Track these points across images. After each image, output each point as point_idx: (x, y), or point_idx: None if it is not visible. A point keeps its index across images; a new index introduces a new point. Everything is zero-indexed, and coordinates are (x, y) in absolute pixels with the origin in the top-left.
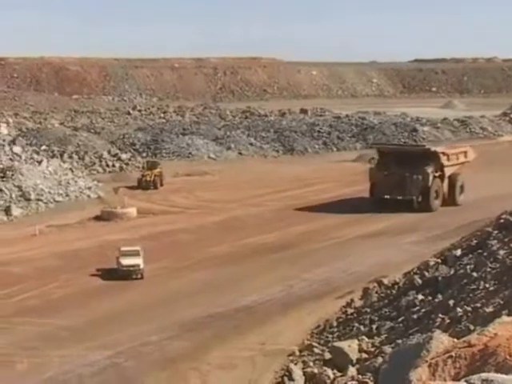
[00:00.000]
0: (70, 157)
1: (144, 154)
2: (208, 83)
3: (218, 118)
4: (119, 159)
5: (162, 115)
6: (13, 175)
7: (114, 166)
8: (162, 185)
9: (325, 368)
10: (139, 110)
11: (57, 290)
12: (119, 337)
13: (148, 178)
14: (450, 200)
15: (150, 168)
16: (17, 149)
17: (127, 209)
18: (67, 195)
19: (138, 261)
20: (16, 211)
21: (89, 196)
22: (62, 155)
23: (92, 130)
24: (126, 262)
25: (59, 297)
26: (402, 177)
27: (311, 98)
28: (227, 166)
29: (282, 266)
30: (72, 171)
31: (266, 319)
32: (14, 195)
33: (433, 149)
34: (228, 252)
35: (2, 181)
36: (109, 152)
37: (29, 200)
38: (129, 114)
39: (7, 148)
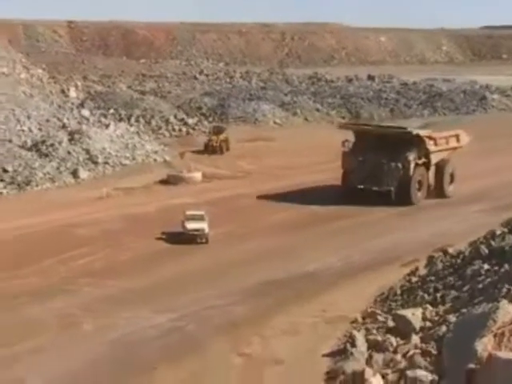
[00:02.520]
0: (137, 120)
1: (210, 119)
2: (275, 48)
3: (284, 83)
4: (185, 124)
5: (229, 80)
6: (81, 138)
7: (180, 130)
8: (227, 150)
9: (388, 335)
10: (206, 75)
11: (122, 253)
12: (183, 300)
13: (214, 143)
14: (437, 191)
15: (216, 133)
16: (85, 112)
17: (193, 173)
18: (134, 159)
19: (202, 225)
20: (83, 174)
21: (155, 160)
22: (129, 119)
23: (159, 94)
24: (191, 226)
25: (124, 259)
26: (379, 164)
27: (379, 65)
28: (293, 131)
29: (343, 235)
30: (139, 135)
31: (328, 286)
32: (81, 158)
33: (416, 132)
34: (291, 219)
35: (71, 144)
36: (175, 116)
37: (96, 163)
38: (195, 78)
39: (75, 111)
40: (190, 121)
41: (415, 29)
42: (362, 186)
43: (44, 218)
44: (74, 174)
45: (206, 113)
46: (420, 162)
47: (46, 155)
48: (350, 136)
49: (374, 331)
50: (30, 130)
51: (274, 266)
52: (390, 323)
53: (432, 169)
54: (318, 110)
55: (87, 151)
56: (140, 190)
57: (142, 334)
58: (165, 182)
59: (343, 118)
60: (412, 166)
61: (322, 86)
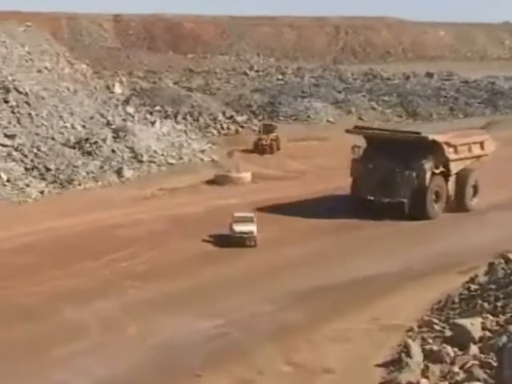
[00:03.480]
0: (184, 118)
1: (260, 117)
2: (329, 43)
3: (338, 80)
4: (234, 121)
5: (280, 76)
6: (125, 136)
7: (229, 128)
8: (278, 149)
9: (445, 345)
10: (256, 71)
11: (167, 255)
12: (230, 305)
13: (264, 142)
14: (457, 204)
15: (266, 131)
16: (130, 109)
17: (242, 173)
18: (180, 158)
19: (251, 227)
20: (128, 173)
21: (202, 159)
22: (175, 116)
23: (207, 91)
24: (240, 228)
25: (169, 262)
26: (391, 172)
27: (437, 61)
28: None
29: (398, 238)
30: (186, 133)
31: (382, 293)
32: (126, 156)
33: (432, 137)
34: (344, 221)
35: (115, 141)
36: (224, 114)
37: (141, 162)
38: (245, 74)
39: (120, 108)
40: (239, 118)
41: (476, 23)
42: (371, 197)
43: (86, 218)
44: (118, 173)
45: (255, 110)
46: (437, 171)
47: (90, 153)
48: (362, 141)
49: (431, 341)
50: (73, 127)
51: (326, 271)
52: (448, 333)
53: (452, 179)
54: (373, 108)
55: (132, 149)
56: (186, 190)
57: (186, 339)
58: (212, 182)
59: (400, 116)
60: (428, 175)
61: (378, 83)
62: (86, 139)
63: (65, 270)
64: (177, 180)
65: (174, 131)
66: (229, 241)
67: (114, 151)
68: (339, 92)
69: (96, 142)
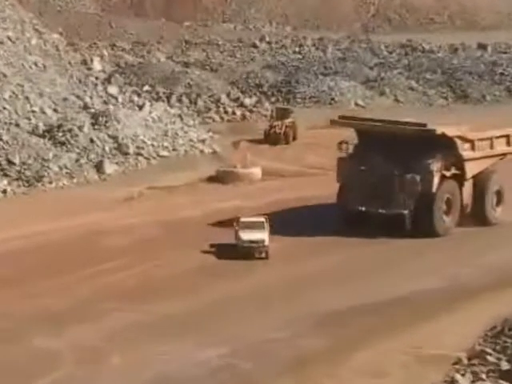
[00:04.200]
0: (179, 100)
1: (273, 99)
2: (357, 8)
3: (369, 53)
4: (241, 105)
5: (298, 49)
6: (107, 122)
7: (234, 113)
8: (294, 139)
9: (501, 382)
10: (268, 42)
11: (160, 270)
12: (237, 331)
13: (277, 130)
14: (475, 216)
15: (280, 117)
16: (112, 89)
17: (250, 169)
18: (174, 149)
19: (262, 235)
20: (110, 168)
21: (202, 151)
22: (168, 98)
23: (207, 67)
24: (248, 236)
25: (162, 278)
26: (388, 176)
27: (492, 30)
28: (379, 116)
29: (441, 250)
30: (181, 119)
31: (424, 315)
32: (107, 148)
33: (441, 130)
34: (369, 228)
35: (94, 129)
36: (228, 95)
37: (126, 154)
38: (255, 46)
39: (100, 88)
40: (248, 101)
41: None
42: (363, 208)
43: (61, 224)
44: (98, 167)
45: (267, 91)
46: (448, 173)
47: (63, 144)
48: (351, 135)
49: (484, 376)
50: (43, 112)
51: (351, 289)
52: (505, 365)
53: (468, 184)
54: (412, 88)
55: (115, 139)
56: (182, 189)
57: (184, 373)
58: (214, 179)
59: (446, 98)
60: (436, 179)
61: (419, 57)
62: (59, 126)
63: (35, 287)
64: (170, 177)
65: (167, 116)
66: (235, 252)
67: (92, 141)
68: (371, 68)
69: (71, 130)
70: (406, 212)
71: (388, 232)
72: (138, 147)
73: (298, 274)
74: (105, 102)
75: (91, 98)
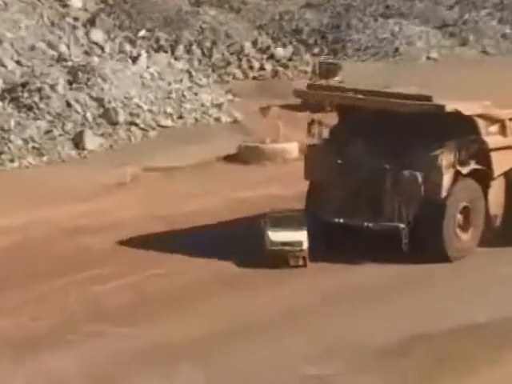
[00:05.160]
0: (188, 51)
1: (315, 50)
2: None
3: None
4: (271, 57)
5: None
6: (89, 80)
7: (262, 68)
8: None
9: None
10: None
11: (159, 280)
12: (256, 363)
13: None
14: (508, 230)
15: (324, 75)
16: (97, 35)
17: (282, 143)
18: (180, 117)
19: (299, 235)
20: (92, 142)
21: (218, 119)
22: (173, 48)
23: (226, 6)
24: (279, 236)
25: (162, 291)
26: (377, 173)
27: None
28: (460, 72)
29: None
30: (190, 76)
31: (506, 350)
32: (89, 114)
33: (455, 107)
34: None
35: (71, 89)
36: (254, 44)
37: (115, 124)
38: None
39: (81, 33)
40: (280, 52)
41: None
42: (340, 219)
43: (27, 218)
44: (77, 141)
45: (307, 39)
46: (466, 170)
47: (29, 108)
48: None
49: None
50: (2, 65)
51: (412, 309)
52: None
53: (496, 185)
54: (505, 35)
55: (100, 103)
56: (190, 172)
57: None
58: (234, 158)
59: None
60: (447, 178)
61: None
62: (23, 85)
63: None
64: (175, 155)
65: (171, 73)
66: (261, 257)
67: (69, 105)
68: (449, 8)
69: (40, 90)
70: (402, 226)
71: (376, 254)
72: (130, 114)
73: (347, 287)
74: (86, 53)
75: (68, 46)
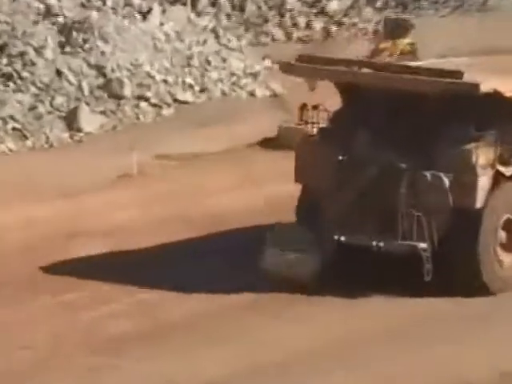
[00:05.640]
0: (214, 3)
1: (379, 3)
2: None
3: None
4: (322, 12)
5: None
6: (85, 41)
7: (309, 26)
8: None
9: None
10: None
11: (174, 305)
12: None
13: (387, 58)
14: None
15: (391, 35)
16: None
17: None
18: (203, 90)
19: (302, 260)
20: (90, 122)
21: (251, 93)
22: (193, 0)
23: None
24: (277, 258)
25: (178, 321)
26: (390, 175)
27: None
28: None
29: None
30: (217, 36)
31: None
32: (85, 86)
33: (492, 87)
34: None
35: (62, 53)
36: None
37: (119, 98)
38: None
39: None
40: (334, 5)
41: None
42: (342, 237)
43: (5, 217)
44: (70, 120)
45: None
46: (509, 170)
47: (9, 77)
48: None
49: None
50: None
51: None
52: None
53: None
54: None
55: (99, 71)
56: (216, 159)
57: None
58: (272, 142)
59: None
60: (483, 181)
61: None
62: (1, 48)
63: None
64: (196, 138)
65: (192, 32)
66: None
67: (60, 74)
68: None
69: (23, 55)
70: (423, 246)
71: (390, 281)
72: (139, 86)
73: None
74: (82, 5)
75: None
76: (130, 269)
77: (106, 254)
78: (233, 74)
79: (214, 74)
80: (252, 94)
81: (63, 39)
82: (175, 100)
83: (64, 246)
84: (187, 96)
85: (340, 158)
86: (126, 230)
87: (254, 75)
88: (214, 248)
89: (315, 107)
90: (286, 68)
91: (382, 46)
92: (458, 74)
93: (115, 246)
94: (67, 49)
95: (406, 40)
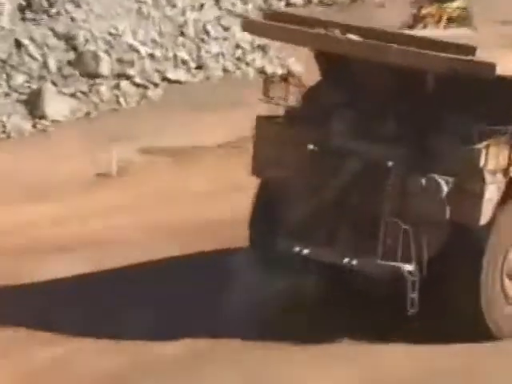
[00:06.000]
0: None
1: None
2: None
3: None
4: None
5: None
6: (51, 5)
7: None
8: None
9: None
10: None
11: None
12: None
13: (430, 25)
14: None
15: None
16: None
17: None
18: (200, 67)
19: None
20: (58, 107)
21: (261, 70)
22: None
23: None
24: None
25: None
26: (374, 173)
27: None
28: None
29: None
30: (216, 0)
31: None
32: (52, 61)
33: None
34: None
35: (23, 19)
36: None
37: (93, 77)
38: None
39: None
40: None
41: None
42: (306, 251)
43: None
44: (33, 105)
45: None
46: None
47: None
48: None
49: None
50: None
51: None
52: None
53: None
54: None
55: (69, 42)
56: (215, 154)
57: None
58: None
59: None
60: (491, 190)
61: None
62: None
63: None
64: (190, 127)
65: None
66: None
67: (20, 46)
68: None
69: None
70: (409, 269)
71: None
72: (119, 61)
73: None
74: None
75: None
76: (129, 283)
77: (77, 274)
78: (237, 47)
79: (214, 47)
80: (261, 71)
81: (23, 2)
82: (164, 79)
83: (31, 262)
84: (179, 74)
85: (311, 147)
86: (101, 242)
87: (264, 48)
88: (200, 271)
89: (285, 79)
90: (249, 27)
91: (425, 10)
92: (468, 48)
93: (90, 261)
94: (28, 14)
95: (456, 3)
